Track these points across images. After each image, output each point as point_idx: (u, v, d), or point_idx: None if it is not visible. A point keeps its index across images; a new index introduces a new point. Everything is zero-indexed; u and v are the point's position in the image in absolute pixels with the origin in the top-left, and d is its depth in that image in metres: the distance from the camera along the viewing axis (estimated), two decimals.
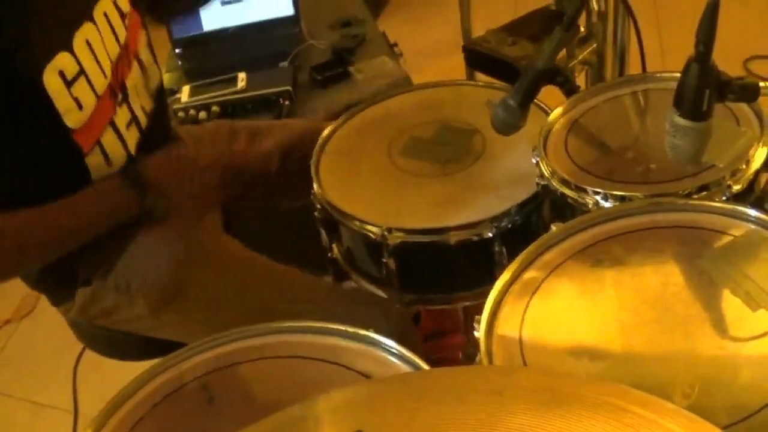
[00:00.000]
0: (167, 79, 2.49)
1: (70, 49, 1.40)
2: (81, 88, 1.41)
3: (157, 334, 1.66)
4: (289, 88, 2.35)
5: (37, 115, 1.36)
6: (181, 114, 2.29)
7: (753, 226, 1.17)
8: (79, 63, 1.41)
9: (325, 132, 1.75)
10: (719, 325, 1.05)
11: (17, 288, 1.74)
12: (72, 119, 1.40)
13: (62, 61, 1.38)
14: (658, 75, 1.59)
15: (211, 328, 1.49)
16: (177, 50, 2.64)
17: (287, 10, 2.67)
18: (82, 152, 1.43)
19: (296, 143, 1.87)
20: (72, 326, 1.79)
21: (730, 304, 1.07)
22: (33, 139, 1.38)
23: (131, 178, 1.51)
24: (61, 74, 1.37)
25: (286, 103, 2.31)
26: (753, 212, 1.18)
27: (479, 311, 1.15)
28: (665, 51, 3.29)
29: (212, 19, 2.70)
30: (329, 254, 1.70)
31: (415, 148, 1.69)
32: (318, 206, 1.62)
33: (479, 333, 1.10)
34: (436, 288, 1.60)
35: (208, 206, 1.73)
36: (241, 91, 2.36)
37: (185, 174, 1.61)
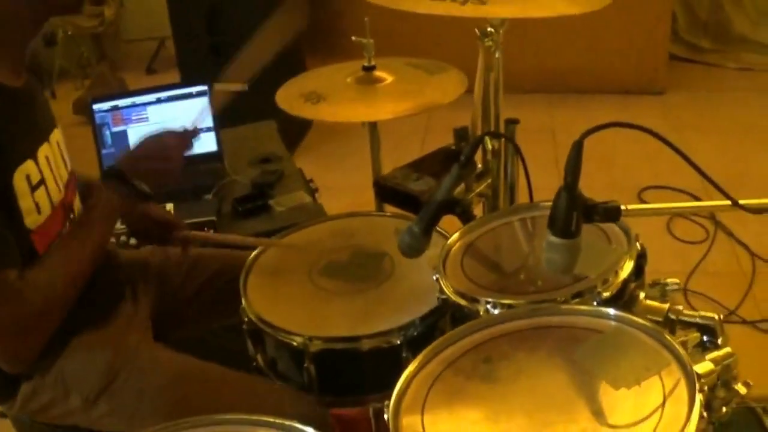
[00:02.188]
0: None
1: (35, 159, 1.70)
2: (41, 195, 1.70)
3: (92, 427, 1.85)
4: (213, 218, 2.60)
5: (8, 211, 1.62)
6: (112, 239, 2.50)
7: (615, 323, 1.45)
8: (41, 172, 1.71)
9: (251, 255, 2.00)
10: (598, 413, 1.28)
11: None
12: (30, 220, 1.67)
13: (29, 168, 1.67)
14: (544, 204, 1.87)
15: (138, 420, 1.78)
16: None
17: (211, 146, 2.96)
18: (37, 254, 1.68)
19: (226, 268, 2.13)
20: (16, 425, 1.95)
21: (604, 391, 1.32)
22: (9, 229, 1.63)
23: (115, 176, 1.83)
24: (27, 179, 1.66)
25: (211, 231, 2.55)
26: (613, 312, 1.47)
27: None
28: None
29: None
30: (254, 363, 1.91)
31: (333, 269, 1.95)
32: (246, 319, 1.85)
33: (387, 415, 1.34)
34: (351, 390, 1.83)
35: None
36: None
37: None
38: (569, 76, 5.02)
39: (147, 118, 2.97)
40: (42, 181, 1.71)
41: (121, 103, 2.98)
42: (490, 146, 2.13)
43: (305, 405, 1.76)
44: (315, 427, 1.37)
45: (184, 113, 2.97)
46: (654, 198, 3.88)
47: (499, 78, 2.08)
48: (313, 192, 2.81)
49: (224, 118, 2.96)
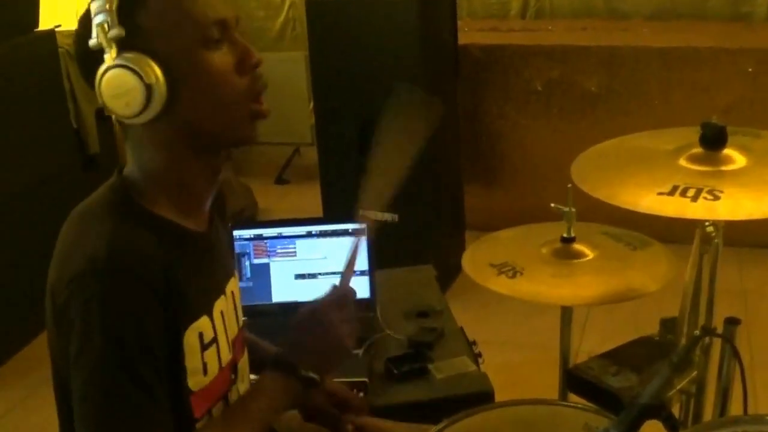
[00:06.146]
0: None
1: (210, 315, 1.73)
2: (211, 355, 1.73)
3: None
4: (365, 379, 2.58)
5: (173, 371, 1.63)
6: None
7: None
8: (214, 330, 1.74)
9: None
10: None
11: None
12: (194, 382, 1.68)
13: (203, 325, 1.70)
14: (759, 417, 1.81)
15: None
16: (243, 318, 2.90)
17: (363, 292, 2.95)
18: (193, 417, 1.70)
19: None
20: None
21: None
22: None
23: (282, 365, 1.78)
24: (200, 337, 1.69)
25: (361, 394, 2.54)
26: None
27: None
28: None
29: (283, 291, 3.02)
30: None
31: None
32: None
33: None
34: None
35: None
36: None
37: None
38: (760, 230, 4.99)
39: (294, 253, 3.02)
40: (214, 340, 1.74)
41: (266, 232, 3.03)
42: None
43: None
44: None
45: (338, 252, 2.99)
46: None
47: (715, 266, 2.05)
48: (476, 357, 2.78)
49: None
